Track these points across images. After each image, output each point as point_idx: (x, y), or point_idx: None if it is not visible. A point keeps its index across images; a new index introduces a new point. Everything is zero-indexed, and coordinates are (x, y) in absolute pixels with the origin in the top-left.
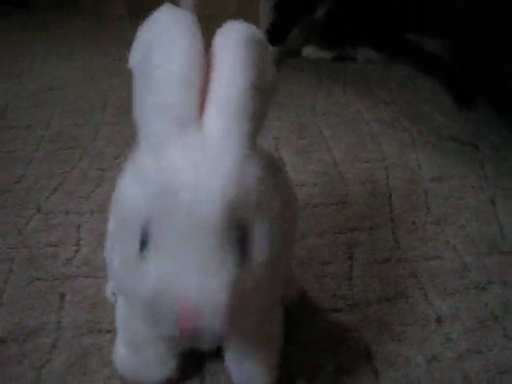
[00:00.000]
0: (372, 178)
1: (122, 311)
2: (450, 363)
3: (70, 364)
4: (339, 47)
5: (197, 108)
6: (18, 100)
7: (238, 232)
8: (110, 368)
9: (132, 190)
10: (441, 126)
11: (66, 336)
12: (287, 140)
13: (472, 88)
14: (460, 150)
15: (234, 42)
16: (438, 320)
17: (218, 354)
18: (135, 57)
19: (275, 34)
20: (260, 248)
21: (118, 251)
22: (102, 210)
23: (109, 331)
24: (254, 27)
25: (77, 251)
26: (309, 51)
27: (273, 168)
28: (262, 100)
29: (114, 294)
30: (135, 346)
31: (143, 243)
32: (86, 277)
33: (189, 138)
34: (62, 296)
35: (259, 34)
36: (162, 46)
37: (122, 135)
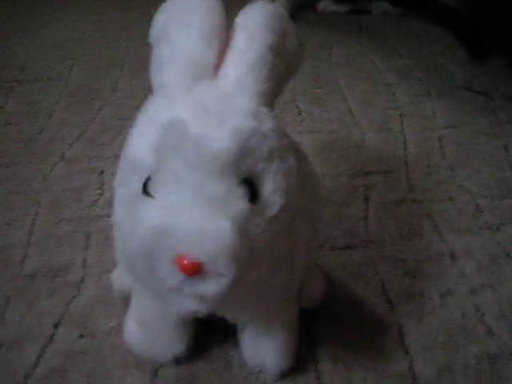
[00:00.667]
0: (387, 126)
1: (134, 287)
2: (463, 297)
3: (97, 298)
4: (354, 1)
5: (214, 58)
6: (38, 53)
7: (247, 178)
8: None
9: (142, 132)
10: (454, 76)
11: (93, 272)
12: (304, 90)
13: (485, 39)
14: (473, 99)
15: (255, 16)
16: (452, 257)
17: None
18: (154, 31)
19: None
20: (271, 198)
21: (121, 197)
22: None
23: None
24: (277, 6)
25: (100, 194)
26: (323, 5)
27: (293, 145)
28: (282, 65)
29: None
30: (145, 324)
31: (146, 185)
32: (109, 217)
33: (203, 87)
34: (88, 235)
35: (282, 11)
36: (182, 15)
37: (141, 87)
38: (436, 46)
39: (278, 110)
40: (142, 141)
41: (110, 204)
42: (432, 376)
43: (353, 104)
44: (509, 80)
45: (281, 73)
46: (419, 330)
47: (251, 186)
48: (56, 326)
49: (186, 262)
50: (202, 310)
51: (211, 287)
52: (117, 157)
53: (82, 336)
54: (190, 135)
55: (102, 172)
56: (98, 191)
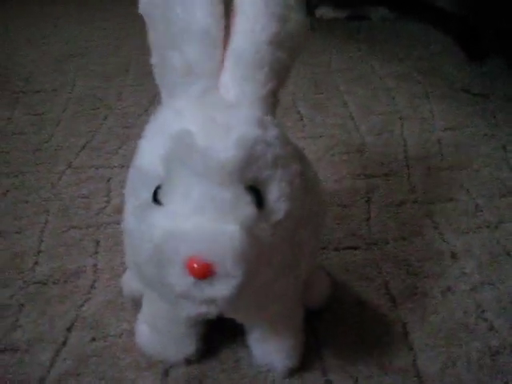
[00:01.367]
0: (387, 129)
1: (145, 292)
2: (464, 294)
3: (108, 302)
4: (352, 6)
5: (216, 65)
6: (43, 65)
7: (252, 185)
8: None
9: (151, 143)
10: (453, 78)
11: (103, 278)
12: (304, 95)
13: (483, 41)
14: (472, 100)
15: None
16: (453, 256)
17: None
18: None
19: None
20: (278, 203)
21: (131, 206)
22: (130, 164)
23: None
24: None
25: (108, 202)
26: (322, 11)
27: (296, 151)
28: (284, 56)
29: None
30: (156, 326)
31: (156, 194)
32: (118, 224)
33: (209, 99)
34: (97, 242)
35: None
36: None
37: (145, 95)
38: (434, 49)
39: (279, 115)
40: (151, 152)
41: (117, 211)
42: (435, 372)
43: (353, 109)
44: (507, 81)
45: (282, 65)
46: (422, 327)
47: (257, 193)
48: (69, 329)
49: (195, 264)
50: (212, 312)
51: (221, 290)
52: (123, 165)
53: (94, 339)
54: (197, 147)
55: (108, 180)
56: (106, 198)
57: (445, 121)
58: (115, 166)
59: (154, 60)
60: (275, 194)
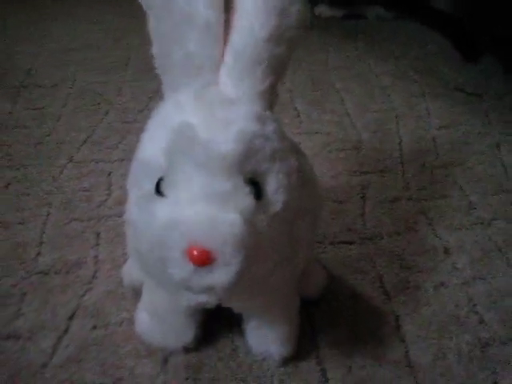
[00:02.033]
0: (383, 127)
1: (145, 281)
2: (456, 289)
3: (109, 292)
4: (350, 5)
5: (216, 59)
6: (42, 60)
7: (251, 177)
8: None
9: (153, 136)
10: (448, 77)
11: (104, 268)
12: (301, 92)
13: (477, 42)
14: (466, 99)
15: None
16: (446, 251)
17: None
18: None
19: None
20: (274, 196)
21: (134, 197)
22: (131, 158)
23: None
24: None
25: (109, 194)
26: (321, 10)
27: (293, 146)
28: (282, 50)
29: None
30: (156, 315)
31: (158, 185)
32: (118, 216)
33: (209, 94)
34: (98, 234)
35: None
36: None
37: (145, 91)
38: (430, 49)
39: (276, 111)
40: (153, 144)
41: (118, 204)
42: (427, 363)
43: (349, 106)
44: (501, 81)
45: (280, 60)
46: (414, 320)
47: (256, 185)
48: (70, 318)
49: (195, 252)
50: (211, 302)
51: (220, 277)
52: (123, 159)
53: (95, 327)
54: (198, 139)
55: (109, 173)
56: (107, 192)
57: (440, 119)
58: (116, 160)
59: (154, 50)
60: (273, 185)
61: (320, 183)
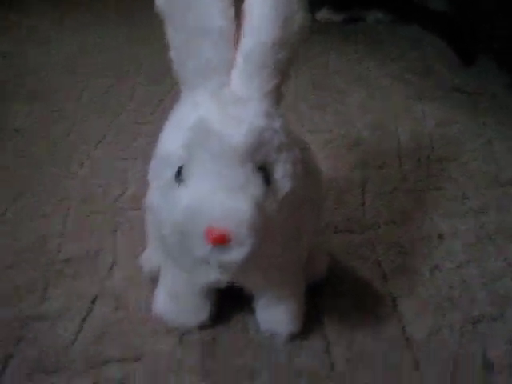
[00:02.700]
0: (382, 126)
1: (164, 264)
2: (450, 272)
3: (128, 278)
4: (349, 10)
5: (228, 62)
6: (55, 65)
7: (262, 166)
8: None
9: (173, 131)
10: (445, 78)
11: (122, 257)
12: (304, 94)
13: (474, 43)
14: (462, 99)
15: (263, 5)
16: (440, 237)
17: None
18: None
19: None
20: (282, 183)
21: (156, 186)
22: (144, 156)
23: None
24: None
25: (124, 190)
26: (322, 15)
27: (298, 140)
28: (287, 53)
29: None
30: (174, 296)
31: (178, 174)
32: (134, 209)
33: (223, 93)
34: (116, 226)
35: None
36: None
37: (155, 95)
38: (427, 51)
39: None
40: (173, 138)
41: (133, 198)
42: (422, 338)
43: (350, 107)
44: (495, 82)
45: (286, 62)
46: (411, 300)
47: (265, 173)
48: (93, 301)
49: (213, 233)
50: (225, 279)
51: (235, 255)
52: (137, 157)
53: (116, 309)
54: (214, 133)
55: (124, 171)
56: (122, 187)
57: (436, 118)
58: (130, 158)
59: (172, 54)
60: (280, 173)
61: (323, 178)
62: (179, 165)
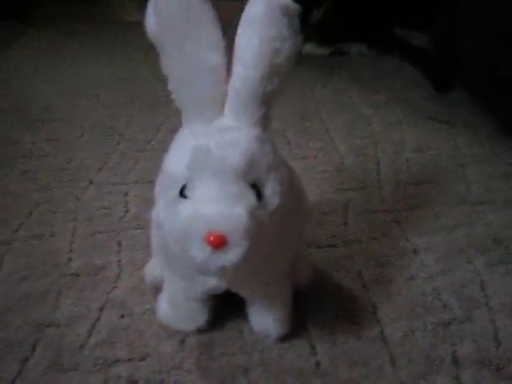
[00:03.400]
0: (363, 151)
1: (166, 274)
2: (423, 281)
3: (132, 288)
4: (335, 44)
5: (222, 95)
6: (57, 97)
7: (254, 184)
8: None
9: (176, 154)
10: (421, 107)
11: (127, 270)
12: (291, 122)
13: (448, 77)
14: (438, 127)
15: (253, 40)
16: (415, 252)
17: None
18: (151, 26)
19: None
20: (271, 199)
21: (162, 203)
22: (144, 180)
23: None
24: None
25: (126, 211)
26: (308, 49)
27: (286, 164)
28: (272, 88)
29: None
30: (175, 304)
31: (182, 191)
32: (136, 228)
33: (218, 122)
34: (119, 243)
35: (285, 1)
36: (188, 31)
37: (152, 124)
38: (406, 82)
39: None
40: (177, 159)
41: (135, 218)
42: (398, 339)
43: (334, 134)
44: (468, 111)
45: (272, 93)
46: (388, 306)
47: (257, 189)
48: (101, 309)
49: (212, 237)
50: (222, 285)
51: (231, 257)
52: (137, 181)
53: (122, 316)
54: (213, 155)
55: (125, 194)
56: (124, 209)
57: (413, 144)
58: (130, 183)
59: (170, 86)
60: (270, 190)
61: (307, 195)
62: (183, 183)
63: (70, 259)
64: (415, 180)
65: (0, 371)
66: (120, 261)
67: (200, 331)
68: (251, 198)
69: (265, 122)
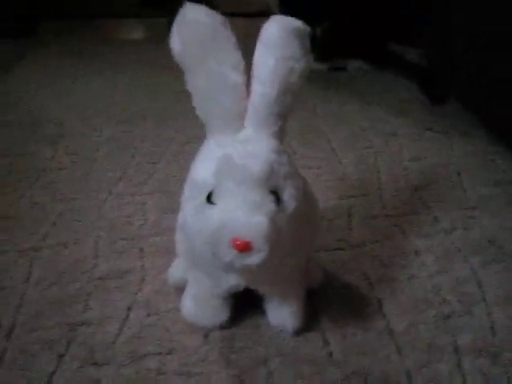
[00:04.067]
0: (364, 161)
1: (190, 274)
2: (424, 279)
3: (157, 290)
4: (332, 60)
5: (243, 110)
6: (72, 114)
7: (273, 190)
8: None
9: (203, 164)
10: (418, 119)
11: (150, 274)
12: (296, 136)
13: (444, 88)
14: (434, 137)
15: (268, 63)
16: (416, 253)
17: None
18: (176, 47)
19: None
20: (289, 203)
21: (190, 207)
22: (160, 191)
23: None
24: (293, 20)
25: (146, 219)
26: None
27: (299, 174)
28: (287, 102)
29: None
30: (199, 301)
31: (209, 196)
32: (156, 236)
33: (241, 135)
34: (141, 249)
35: (297, 25)
36: (212, 52)
37: (164, 137)
38: (403, 95)
39: None
40: (203, 170)
41: (154, 226)
42: (403, 331)
43: (336, 145)
44: (463, 121)
45: (288, 107)
46: (393, 302)
47: (276, 195)
48: (128, 309)
49: (238, 242)
50: (243, 283)
51: (255, 259)
52: (153, 192)
53: (149, 315)
54: (237, 165)
55: (143, 203)
56: (144, 217)
57: (411, 154)
58: (147, 193)
59: (195, 102)
60: (287, 195)
61: (318, 204)
62: (209, 190)
63: (96, 265)
64: (414, 187)
65: (39, 366)
66: (143, 265)
67: (222, 327)
68: (271, 204)
69: (281, 134)
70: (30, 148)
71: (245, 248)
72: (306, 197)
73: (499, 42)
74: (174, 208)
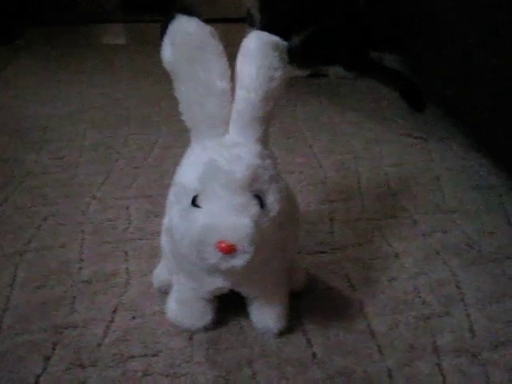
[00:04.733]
0: (344, 166)
1: (175, 277)
2: (404, 281)
3: (141, 292)
4: (314, 66)
5: (228, 115)
6: (56, 119)
7: (257, 194)
8: None
9: (188, 168)
10: (398, 125)
11: (135, 276)
12: (276, 141)
13: (423, 94)
14: (413, 143)
15: (251, 69)
16: (396, 255)
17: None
18: (166, 56)
19: None
20: (272, 206)
21: (175, 210)
22: (143, 195)
23: None
24: (271, 35)
25: (129, 223)
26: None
27: (282, 179)
28: (269, 108)
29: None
30: (184, 304)
31: (194, 200)
32: (140, 239)
33: (225, 139)
34: (126, 252)
35: (276, 39)
36: (202, 61)
37: (147, 142)
38: (383, 102)
39: None
40: (189, 174)
41: (138, 230)
42: (384, 331)
43: (317, 150)
44: (441, 127)
45: (270, 113)
46: (374, 303)
47: (260, 199)
48: (114, 312)
49: (223, 244)
50: (227, 285)
51: (239, 261)
52: (137, 196)
53: (134, 318)
54: (222, 169)
55: (127, 207)
56: (127, 221)
57: (391, 159)
58: (131, 197)
59: (181, 108)
60: (271, 199)
61: (298, 204)
62: (194, 194)
63: (81, 268)
64: (394, 191)
65: (26, 368)
66: (128, 268)
67: (206, 328)
68: (255, 207)
69: (264, 139)
70: (14, 152)
71: (230, 250)
72: (288, 199)
73: (479, 50)
74: (157, 212)
